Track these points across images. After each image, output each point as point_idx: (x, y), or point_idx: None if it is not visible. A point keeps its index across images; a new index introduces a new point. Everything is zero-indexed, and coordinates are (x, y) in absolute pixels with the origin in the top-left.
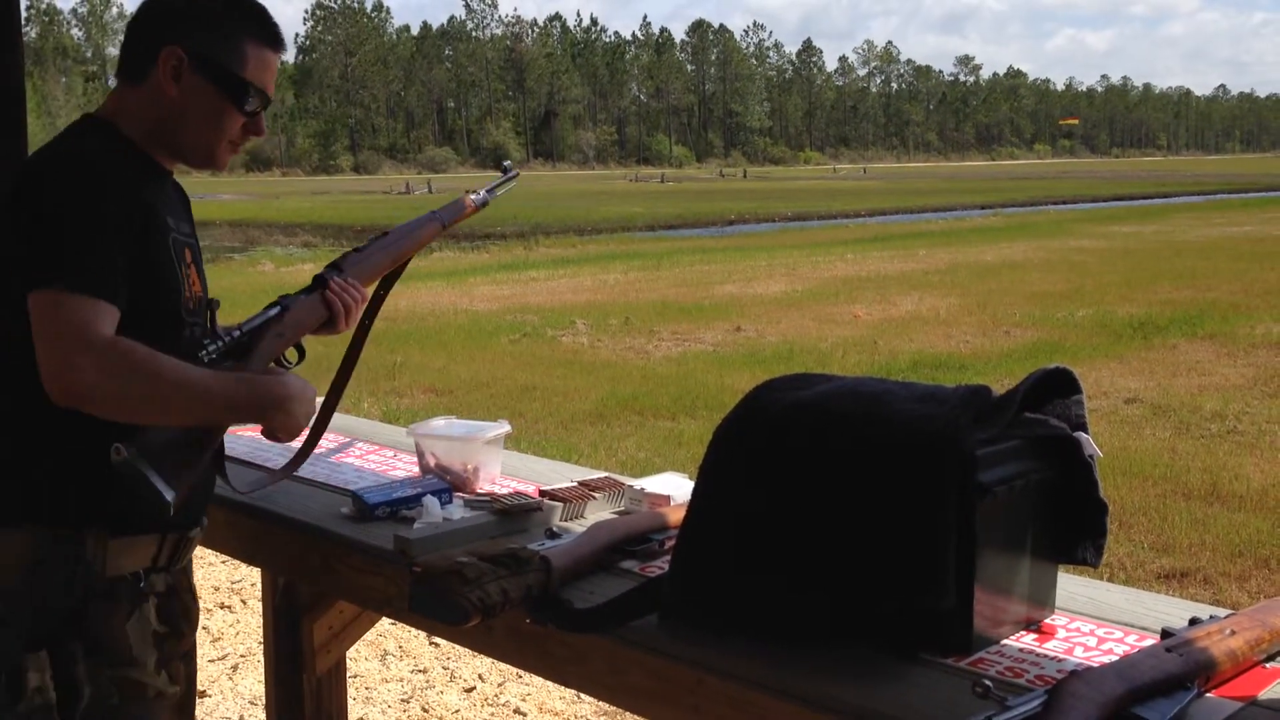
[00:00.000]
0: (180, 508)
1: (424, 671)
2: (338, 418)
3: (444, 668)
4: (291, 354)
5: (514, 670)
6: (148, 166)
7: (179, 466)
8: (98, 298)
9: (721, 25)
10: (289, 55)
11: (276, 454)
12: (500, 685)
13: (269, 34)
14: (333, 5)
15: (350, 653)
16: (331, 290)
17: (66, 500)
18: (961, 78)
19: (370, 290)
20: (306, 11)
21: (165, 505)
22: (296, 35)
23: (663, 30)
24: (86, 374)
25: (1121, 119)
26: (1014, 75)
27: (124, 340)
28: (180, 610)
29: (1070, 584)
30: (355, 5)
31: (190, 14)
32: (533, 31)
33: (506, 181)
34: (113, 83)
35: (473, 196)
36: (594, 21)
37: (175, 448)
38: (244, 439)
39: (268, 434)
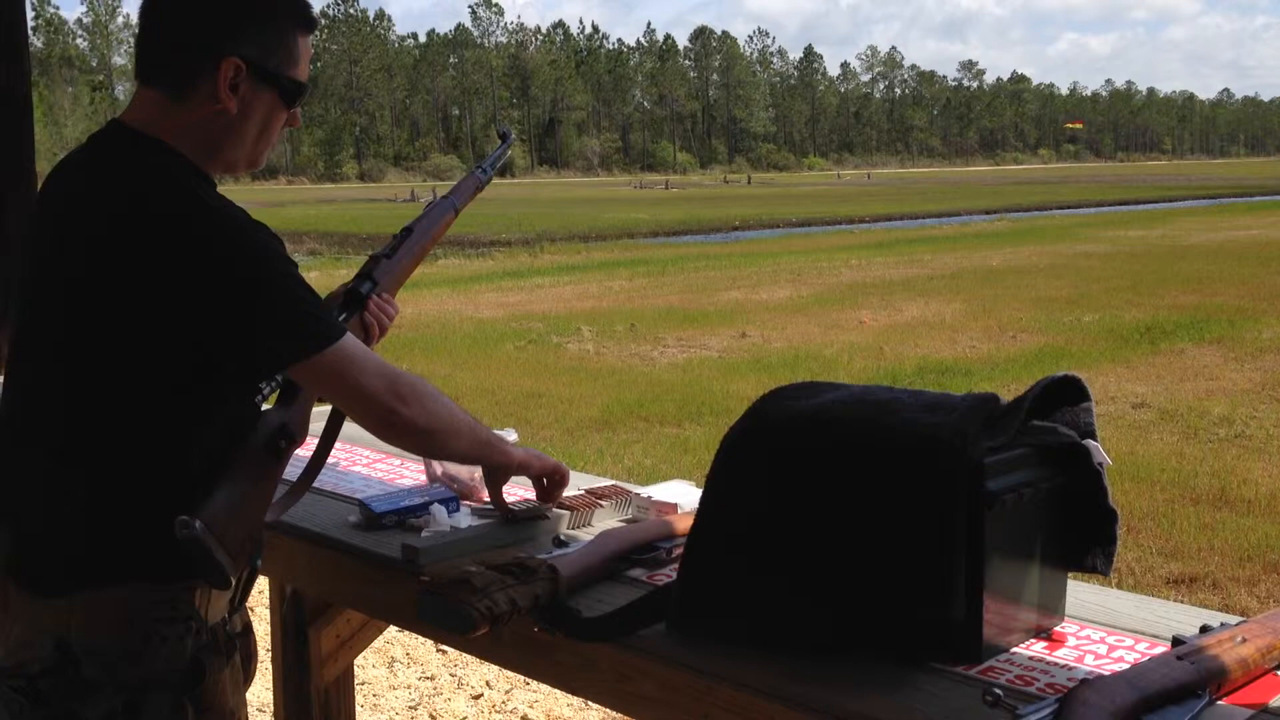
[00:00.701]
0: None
1: (432, 679)
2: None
3: (452, 675)
4: None
5: (521, 678)
6: (211, 183)
7: (242, 540)
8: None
9: (725, 32)
10: None
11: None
12: (508, 693)
13: (309, 19)
14: (336, 14)
15: (358, 660)
16: (370, 312)
17: (170, 553)
18: (965, 83)
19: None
20: None
21: (225, 580)
22: None
23: (666, 37)
24: (407, 409)
25: (1126, 123)
26: (1018, 80)
27: (402, 372)
28: (253, 648)
29: (1080, 591)
30: (357, 14)
31: (246, 18)
32: (537, 39)
33: (504, 150)
34: (120, 91)
35: (476, 173)
36: (595, 29)
37: (237, 522)
38: None
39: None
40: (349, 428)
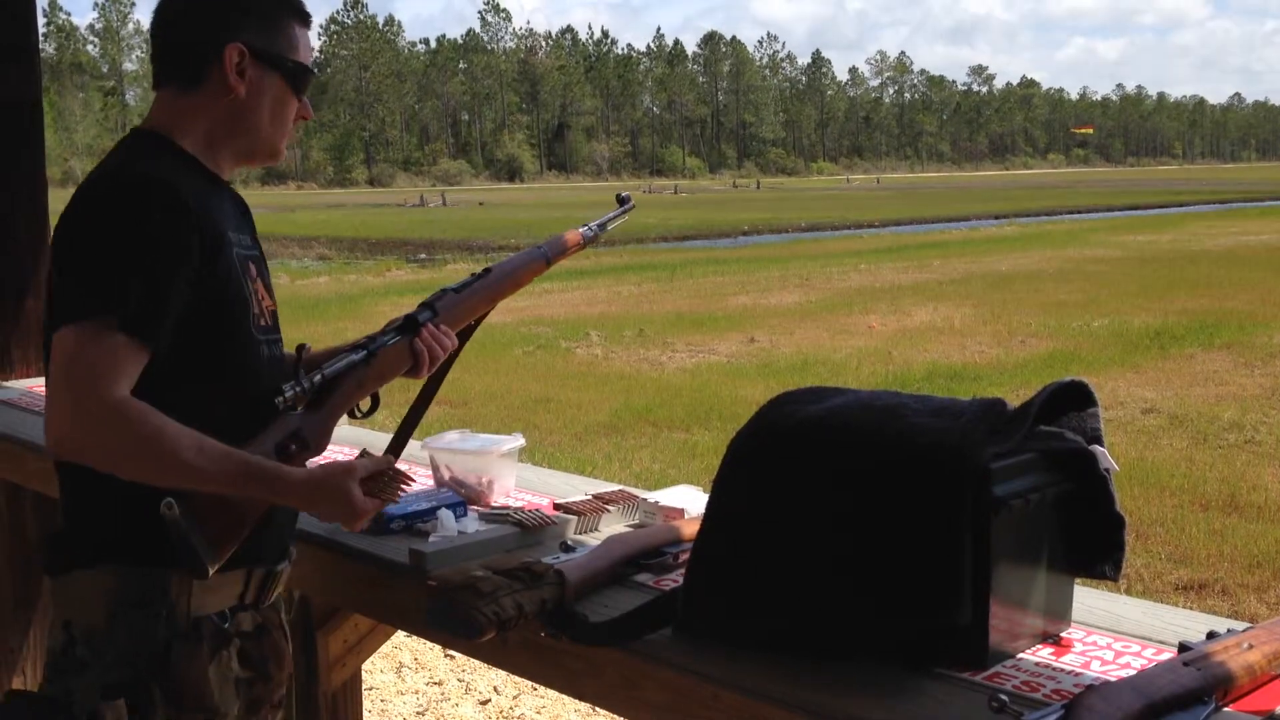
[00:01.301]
0: (269, 543)
1: (439, 684)
2: (350, 430)
3: (459, 680)
4: (366, 402)
5: (529, 683)
6: (210, 180)
7: (224, 533)
8: (131, 335)
9: (734, 37)
10: None
11: None
12: (515, 698)
13: (303, 12)
14: (347, 20)
15: (365, 665)
16: (422, 339)
17: (149, 538)
18: (975, 87)
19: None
20: (321, 26)
21: (201, 569)
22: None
23: (675, 42)
24: (84, 435)
25: (1136, 128)
26: (1027, 85)
27: (135, 406)
28: (270, 650)
29: (1087, 597)
30: (368, 19)
31: (244, 9)
32: (546, 44)
33: (621, 214)
34: (132, 97)
35: (582, 230)
36: (605, 34)
37: (224, 513)
38: None
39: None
40: (360, 433)
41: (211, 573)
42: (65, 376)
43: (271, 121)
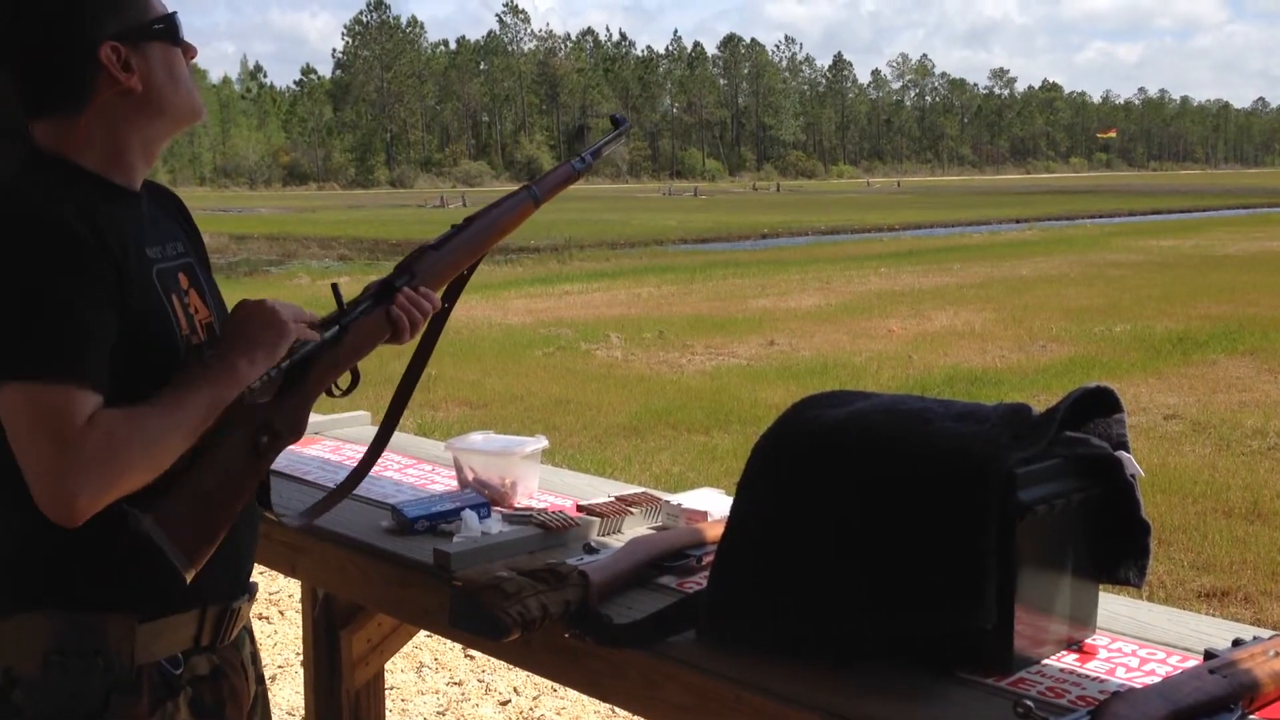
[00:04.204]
0: (222, 578)
1: (459, 684)
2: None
3: (479, 681)
4: (345, 379)
5: (549, 684)
6: (113, 195)
7: (199, 538)
8: (80, 383)
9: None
10: (326, 71)
11: (315, 467)
12: (535, 699)
13: None
14: (370, 21)
15: (386, 665)
16: (399, 305)
17: (85, 582)
18: (996, 91)
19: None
20: (345, 27)
21: (180, 578)
22: (334, 50)
23: (695, 44)
24: (86, 487)
25: (1159, 132)
26: (1049, 88)
27: (103, 431)
28: (227, 694)
29: (1112, 604)
30: (391, 20)
31: (89, 3)
32: (565, 46)
33: (616, 137)
34: None
35: (573, 161)
36: (624, 36)
37: (196, 517)
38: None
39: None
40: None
41: (189, 578)
42: (33, 442)
43: (174, 91)
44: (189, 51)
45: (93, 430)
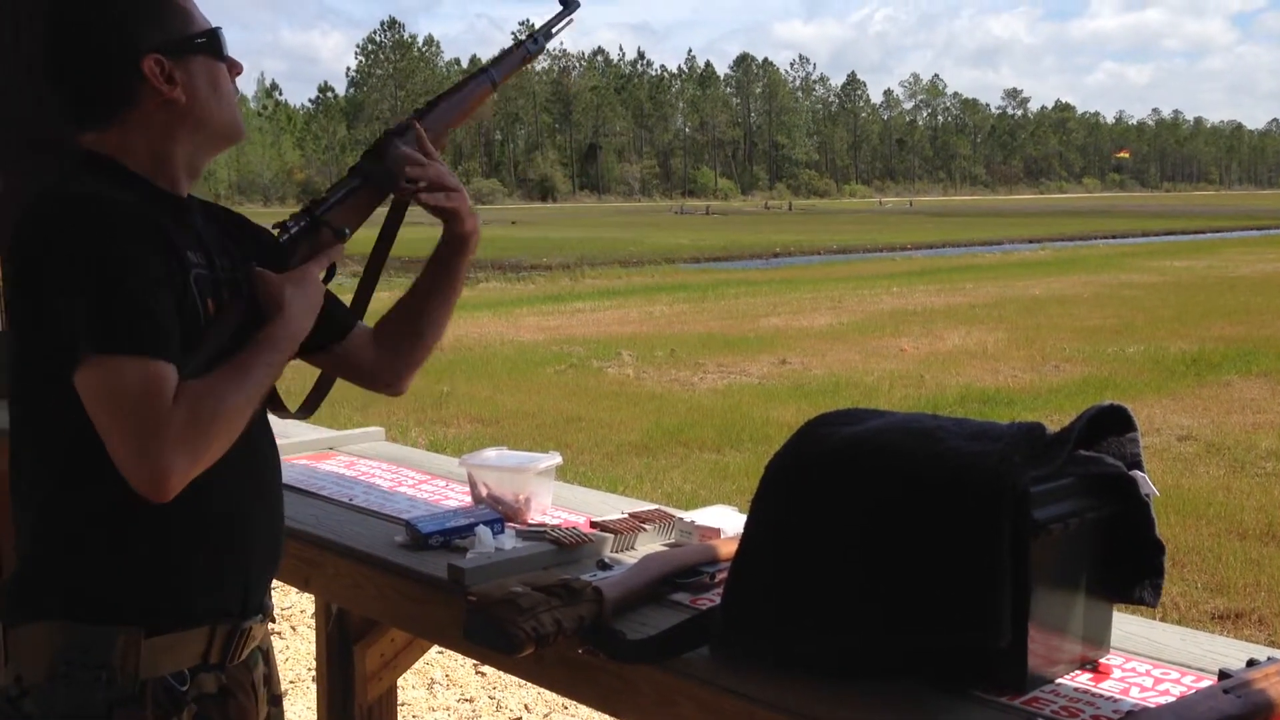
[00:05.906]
0: (234, 596)
1: (470, 701)
2: (388, 447)
3: (490, 697)
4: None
5: (560, 700)
6: (159, 197)
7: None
8: (157, 357)
9: (766, 59)
10: (340, 89)
11: (330, 482)
12: (546, 716)
13: None
14: (383, 40)
15: (398, 681)
16: (405, 155)
17: (96, 594)
18: (1009, 111)
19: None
20: (358, 46)
21: None
22: (348, 69)
23: (707, 64)
24: (177, 463)
25: (1172, 153)
26: (1062, 108)
27: (187, 407)
28: (234, 713)
29: (1126, 624)
30: (406, 39)
31: (134, 16)
32: (579, 65)
33: (560, 17)
34: None
35: (528, 43)
36: (641, 54)
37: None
38: (308, 472)
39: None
40: (396, 449)
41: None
42: (124, 418)
43: (220, 106)
44: (234, 68)
45: (179, 406)
